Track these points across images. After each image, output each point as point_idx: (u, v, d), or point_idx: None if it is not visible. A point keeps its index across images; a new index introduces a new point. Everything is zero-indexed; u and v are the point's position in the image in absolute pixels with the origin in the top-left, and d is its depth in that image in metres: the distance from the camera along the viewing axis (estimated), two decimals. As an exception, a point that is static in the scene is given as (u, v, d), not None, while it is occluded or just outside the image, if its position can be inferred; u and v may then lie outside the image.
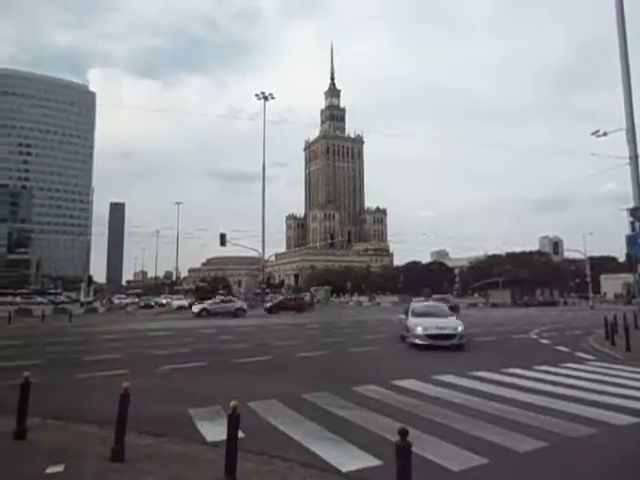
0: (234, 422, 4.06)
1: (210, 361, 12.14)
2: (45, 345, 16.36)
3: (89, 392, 8.47)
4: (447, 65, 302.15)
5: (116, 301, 62.35)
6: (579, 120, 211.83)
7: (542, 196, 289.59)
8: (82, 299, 60.46)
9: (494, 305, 61.11)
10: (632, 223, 20.63)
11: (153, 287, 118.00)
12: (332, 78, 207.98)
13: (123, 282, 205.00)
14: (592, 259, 73.02)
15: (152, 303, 57.35)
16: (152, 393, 8.17)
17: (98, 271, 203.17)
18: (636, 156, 21.23)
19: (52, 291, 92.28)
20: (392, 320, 28.89)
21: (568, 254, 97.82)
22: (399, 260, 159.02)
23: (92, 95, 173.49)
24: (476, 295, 74.17)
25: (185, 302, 54.16)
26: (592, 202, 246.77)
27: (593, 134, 23.42)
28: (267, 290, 68.02)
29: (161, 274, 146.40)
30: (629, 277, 52.07)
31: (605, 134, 23.27)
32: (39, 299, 69.36)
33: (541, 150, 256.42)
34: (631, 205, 21.06)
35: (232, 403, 4.08)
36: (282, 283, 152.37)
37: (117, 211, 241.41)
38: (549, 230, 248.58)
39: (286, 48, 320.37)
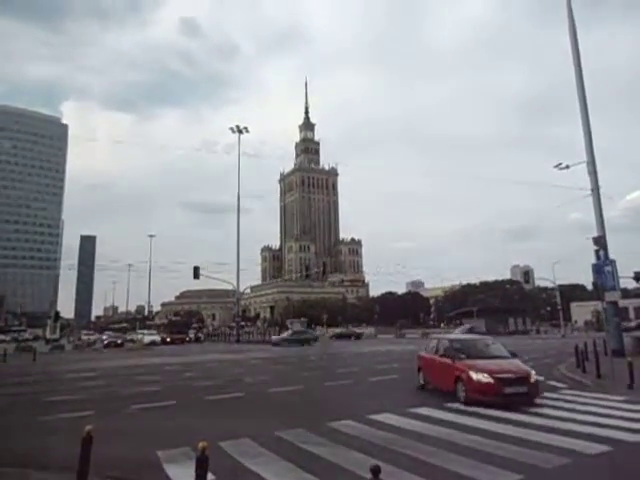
0: (202, 464, 3.92)
1: (180, 399, 11.76)
2: (6, 386, 15.58)
3: (51, 436, 8.07)
4: (421, 99, 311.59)
5: (84, 337, 60.20)
6: (549, 151, 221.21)
7: (513, 226, 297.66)
8: (48, 336, 58.10)
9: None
10: (597, 252, 21.34)
11: (125, 322, 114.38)
12: (307, 112, 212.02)
13: (92, 317, 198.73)
14: (562, 287, 74.85)
15: (119, 341, 48.57)
16: (118, 435, 7.84)
17: (66, 306, 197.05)
18: (597, 187, 22.20)
19: (16, 328, 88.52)
20: (365, 353, 28.75)
21: (539, 282, 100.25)
22: (375, 291, 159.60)
23: (64, 127, 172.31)
24: (443, 325, 74.87)
25: (157, 337, 52.73)
26: (560, 231, 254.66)
27: (556, 167, 24.42)
28: (242, 323, 67.07)
29: (133, 309, 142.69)
30: (598, 304, 53.44)
31: (567, 167, 24.29)
32: (1, 337, 66.55)
33: (512, 181, 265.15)
34: (595, 234, 21.87)
35: (200, 444, 3.95)
36: (258, 316, 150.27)
37: (87, 244, 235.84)
38: (521, 259, 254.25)
39: (262, 82, 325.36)
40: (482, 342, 12.78)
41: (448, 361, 11.40)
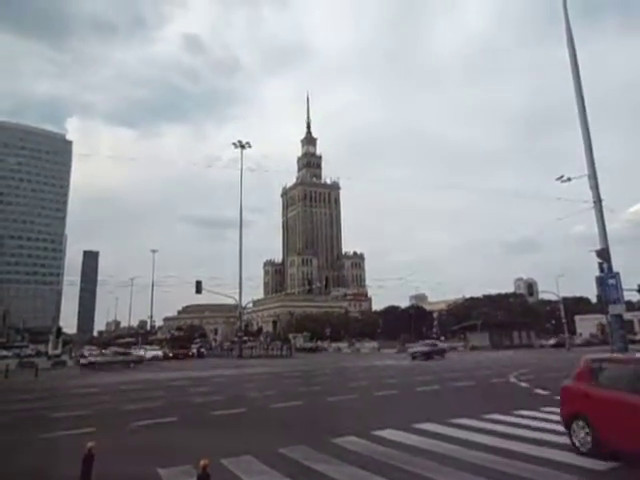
0: (204, 482, 3.87)
1: (183, 415, 11.66)
2: (8, 403, 15.50)
3: (53, 453, 8.01)
4: (421, 113, 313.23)
5: (86, 353, 59.88)
6: (549, 164, 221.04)
7: (516, 238, 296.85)
8: (50, 352, 57.87)
9: (474, 348, 61.02)
10: (600, 264, 21.25)
11: (129, 337, 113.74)
12: (308, 127, 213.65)
13: (95, 333, 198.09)
14: (566, 300, 74.34)
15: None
16: (120, 452, 7.77)
17: (69, 322, 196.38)
18: (599, 200, 22.15)
19: (18, 344, 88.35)
20: (369, 367, 28.57)
21: (543, 295, 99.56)
22: (378, 304, 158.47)
23: (69, 144, 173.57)
24: (442, 339, 74.48)
25: (159, 353, 52.42)
26: (564, 243, 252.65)
27: (558, 179, 24.41)
28: (245, 338, 66.73)
29: (135, 323, 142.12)
30: (602, 317, 53.10)
31: (569, 179, 24.29)
32: (4, 353, 66.39)
33: (514, 193, 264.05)
34: (598, 247, 21.81)
35: (201, 462, 3.91)
36: (260, 330, 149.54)
37: (90, 259, 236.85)
38: (524, 272, 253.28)
39: (264, 97, 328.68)
40: None
41: None
